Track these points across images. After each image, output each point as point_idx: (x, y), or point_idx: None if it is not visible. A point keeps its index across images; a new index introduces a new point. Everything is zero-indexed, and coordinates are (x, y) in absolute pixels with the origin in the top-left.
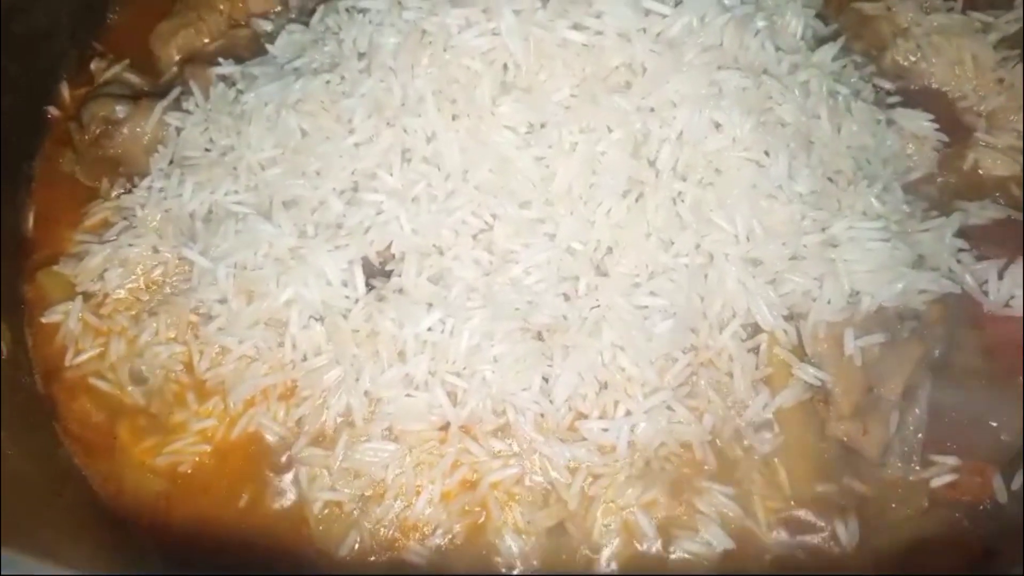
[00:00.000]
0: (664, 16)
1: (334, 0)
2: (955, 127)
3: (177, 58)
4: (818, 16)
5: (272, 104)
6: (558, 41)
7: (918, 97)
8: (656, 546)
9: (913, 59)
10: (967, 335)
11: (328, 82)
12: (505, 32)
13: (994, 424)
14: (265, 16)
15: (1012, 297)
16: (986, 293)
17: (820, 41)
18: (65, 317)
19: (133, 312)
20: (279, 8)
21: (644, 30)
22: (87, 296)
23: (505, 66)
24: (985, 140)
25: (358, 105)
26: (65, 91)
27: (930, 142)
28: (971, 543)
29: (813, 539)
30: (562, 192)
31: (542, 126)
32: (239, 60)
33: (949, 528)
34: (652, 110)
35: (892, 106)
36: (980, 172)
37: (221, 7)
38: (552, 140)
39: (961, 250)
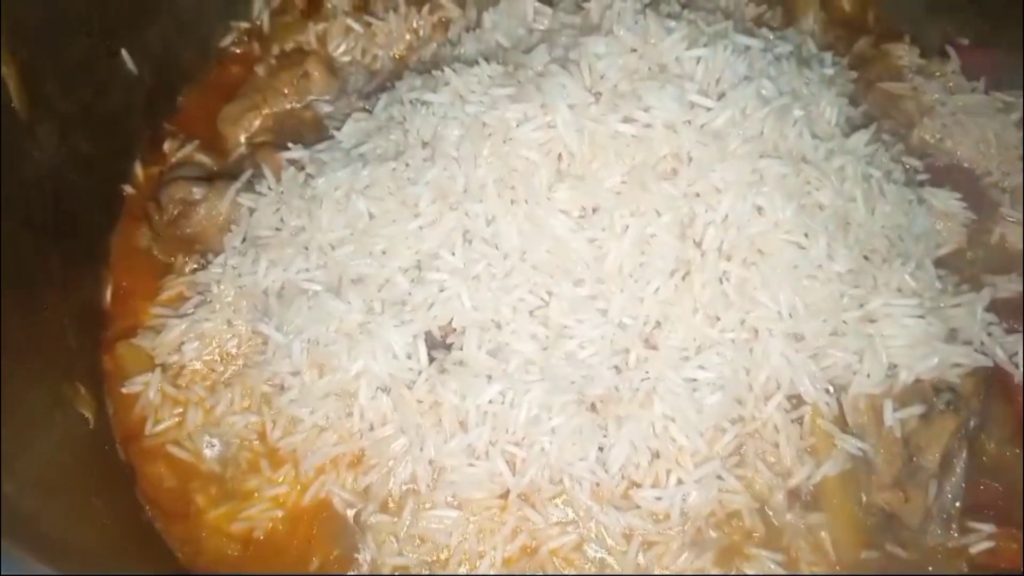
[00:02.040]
0: (708, 109)
1: (396, 91)
2: (981, 203)
3: (243, 138)
4: (848, 101)
5: (342, 189)
6: (610, 133)
7: (945, 174)
8: None
9: (939, 137)
10: (1000, 406)
11: (394, 169)
12: (561, 125)
13: None
14: (325, 99)
15: None
16: (1016, 365)
17: (852, 125)
18: (145, 388)
19: (208, 383)
20: (337, 93)
21: (690, 122)
22: (165, 367)
23: (560, 156)
24: (1010, 215)
25: (423, 191)
26: (139, 170)
27: (958, 219)
28: None
29: None
30: (613, 271)
31: (595, 210)
32: (303, 141)
33: None
34: (698, 195)
35: (921, 183)
36: (1007, 246)
37: (285, 91)
38: (604, 223)
39: (991, 324)
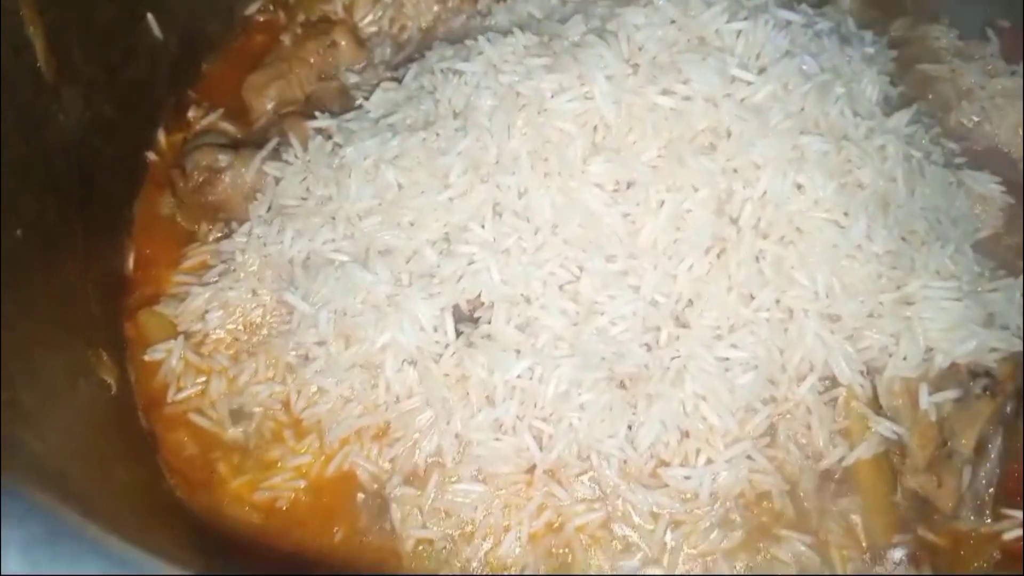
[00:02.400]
0: (749, 83)
1: (427, 60)
2: (1019, 187)
3: (269, 107)
4: (889, 80)
5: (370, 159)
6: (648, 105)
7: (983, 157)
8: None
9: (977, 120)
10: None
11: (424, 139)
12: (597, 96)
13: None
14: (352, 70)
15: None
16: None
17: (891, 105)
18: (167, 355)
19: (232, 352)
20: (364, 63)
21: (729, 96)
22: (188, 335)
23: (596, 128)
24: None
25: (454, 162)
26: (162, 137)
27: (997, 203)
28: None
29: None
30: (647, 247)
31: (630, 185)
32: (329, 111)
33: None
34: (736, 171)
35: (959, 167)
36: None
37: (311, 60)
38: (639, 198)
39: None
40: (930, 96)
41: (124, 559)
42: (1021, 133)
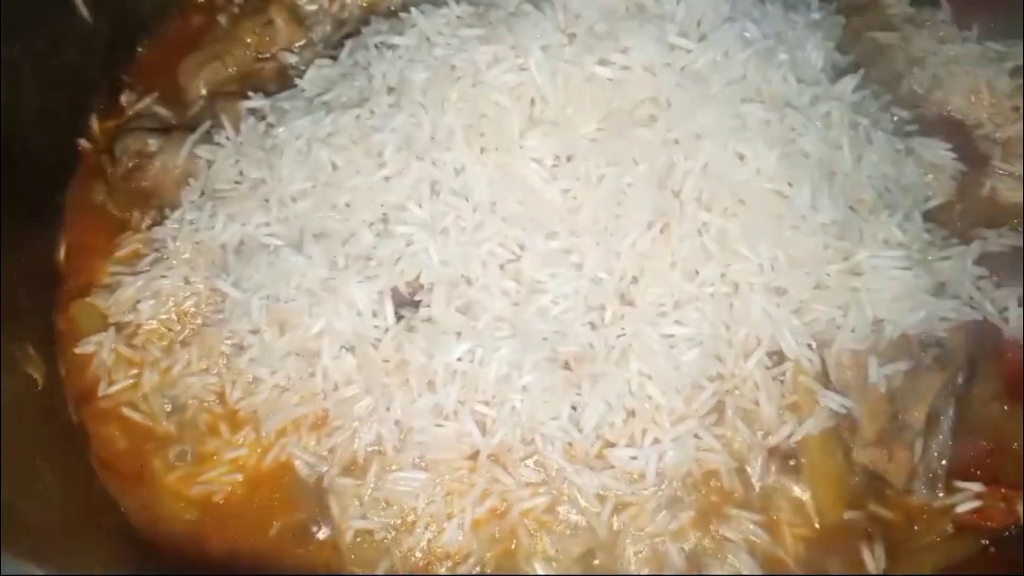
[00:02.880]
0: (688, 51)
1: (362, 36)
2: (972, 155)
3: (204, 91)
4: (836, 47)
5: (303, 138)
6: (585, 76)
7: (935, 125)
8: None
9: (929, 87)
10: (988, 362)
11: (358, 117)
12: (533, 68)
13: (1018, 450)
14: (290, 49)
15: None
16: (1006, 320)
17: (839, 72)
18: (98, 348)
19: (165, 343)
20: (303, 42)
21: (669, 65)
22: (120, 327)
23: (533, 101)
24: (1002, 168)
25: (388, 139)
26: (95, 124)
27: (948, 171)
28: (997, 569)
29: (841, 565)
30: (588, 223)
31: (569, 159)
32: (266, 93)
33: (974, 554)
34: (677, 142)
35: (910, 135)
36: (998, 199)
37: (248, 40)
38: (579, 172)
39: (980, 277)
40: (882, 64)
41: None
42: (973, 100)
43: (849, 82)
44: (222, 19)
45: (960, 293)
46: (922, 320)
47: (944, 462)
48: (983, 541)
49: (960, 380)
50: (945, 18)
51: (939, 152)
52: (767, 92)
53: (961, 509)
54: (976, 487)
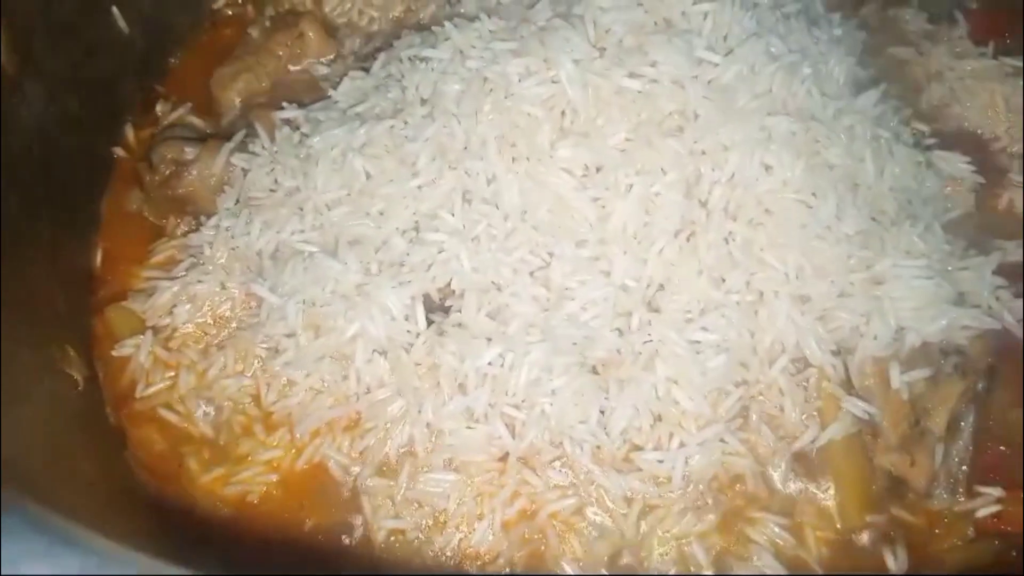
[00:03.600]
0: (716, 65)
1: (395, 49)
2: (990, 168)
3: (237, 101)
4: (857, 62)
5: (338, 148)
6: (615, 89)
7: (953, 139)
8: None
9: (947, 102)
10: (1008, 370)
11: (392, 127)
12: (564, 80)
13: None
14: (321, 62)
15: None
16: None
17: (860, 87)
18: (135, 351)
19: (201, 346)
20: (334, 55)
21: (696, 78)
22: (156, 330)
23: (563, 112)
24: (1018, 180)
25: (422, 149)
26: (130, 133)
27: (967, 183)
28: (1017, 572)
29: (864, 568)
30: (617, 231)
31: (598, 169)
32: (298, 104)
33: (995, 558)
34: (704, 153)
35: (929, 148)
36: (1015, 211)
37: (279, 52)
38: (608, 182)
39: (999, 287)
40: (900, 79)
41: (99, 552)
42: (990, 115)
43: (871, 96)
44: (253, 31)
45: (980, 302)
46: (943, 328)
47: (965, 467)
48: (1002, 545)
49: (980, 387)
50: (962, 34)
51: (958, 165)
52: (792, 105)
53: (981, 513)
54: (996, 492)
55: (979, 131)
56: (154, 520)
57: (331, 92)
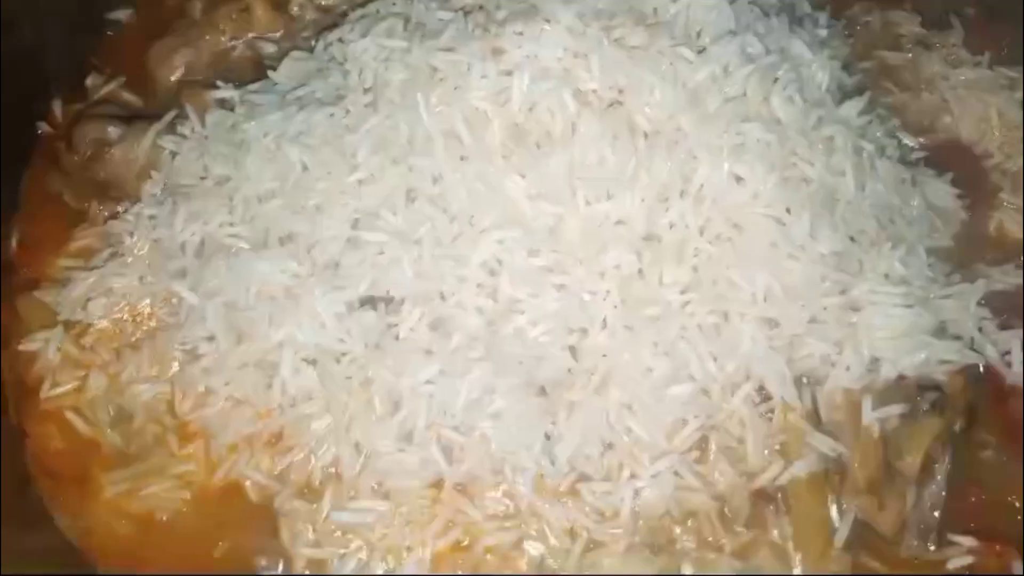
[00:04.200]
0: (690, 63)
1: (340, 28)
2: (980, 185)
3: (175, 78)
4: (842, 67)
5: (272, 135)
6: (573, 86)
7: (942, 152)
8: None
9: (938, 113)
10: (988, 409)
11: (332, 115)
12: (516, 74)
13: (1016, 504)
14: (268, 38)
15: None
16: (1008, 364)
17: (845, 94)
18: (44, 346)
19: (115, 345)
20: (282, 32)
21: (665, 78)
22: (68, 325)
23: (518, 109)
24: (1010, 201)
25: (362, 141)
26: (58, 108)
27: (954, 213)
28: None
29: None
30: (572, 242)
31: (553, 173)
32: (239, 83)
33: None
34: (671, 160)
35: (916, 163)
36: (1005, 234)
37: (222, 27)
38: (564, 188)
39: (984, 319)
40: (889, 86)
41: None
42: (983, 128)
43: (856, 104)
44: (197, 3)
45: (962, 334)
46: (921, 362)
47: (937, 513)
48: None
49: (958, 428)
50: (957, 41)
51: (945, 195)
52: (768, 112)
53: (953, 565)
54: (969, 542)
55: (971, 145)
56: (47, 533)
57: (271, 73)
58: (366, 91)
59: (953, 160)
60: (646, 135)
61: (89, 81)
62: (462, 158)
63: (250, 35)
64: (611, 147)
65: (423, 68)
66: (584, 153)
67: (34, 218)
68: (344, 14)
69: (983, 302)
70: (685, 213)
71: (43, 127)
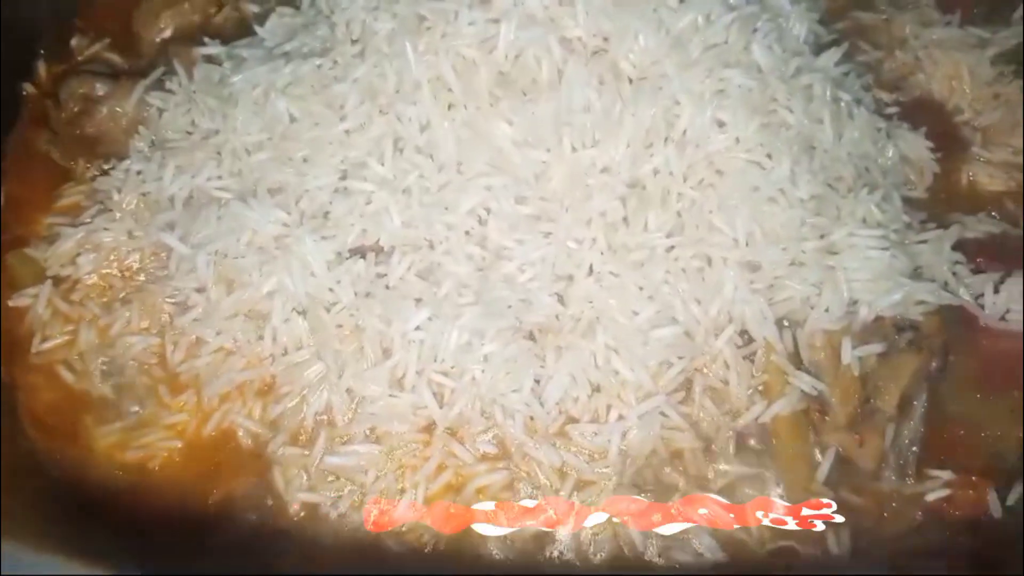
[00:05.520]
0: (672, 11)
1: None
2: (952, 140)
3: (161, 38)
4: (819, 21)
5: (260, 87)
6: (558, 33)
7: (915, 108)
8: (646, 555)
9: (910, 70)
10: (964, 348)
11: (319, 66)
12: (504, 21)
13: (990, 438)
14: None
15: (1008, 311)
16: (982, 306)
17: (822, 47)
18: (34, 301)
19: (105, 299)
20: None
21: (648, 24)
22: (57, 281)
23: (505, 56)
24: (981, 155)
25: (350, 90)
26: (42, 68)
27: (928, 164)
28: (964, 557)
29: (804, 549)
30: (559, 189)
31: (540, 120)
32: (226, 42)
33: (943, 542)
34: (655, 106)
35: (890, 117)
36: (976, 186)
37: None
38: (551, 135)
39: (957, 263)
40: (863, 45)
41: None
42: (954, 85)
43: (833, 55)
44: None
45: (937, 277)
46: (898, 302)
47: (915, 448)
48: (951, 530)
49: (934, 366)
50: (928, 2)
51: (920, 148)
52: (748, 60)
53: (931, 497)
54: (946, 475)
55: (942, 102)
56: (41, 487)
57: (257, 28)
58: (354, 42)
59: (925, 116)
60: (631, 80)
61: (74, 42)
62: (450, 106)
63: None
64: (596, 92)
65: (410, 17)
66: (570, 99)
67: (20, 177)
68: None
69: (956, 247)
70: (669, 159)
71: (27, 88)
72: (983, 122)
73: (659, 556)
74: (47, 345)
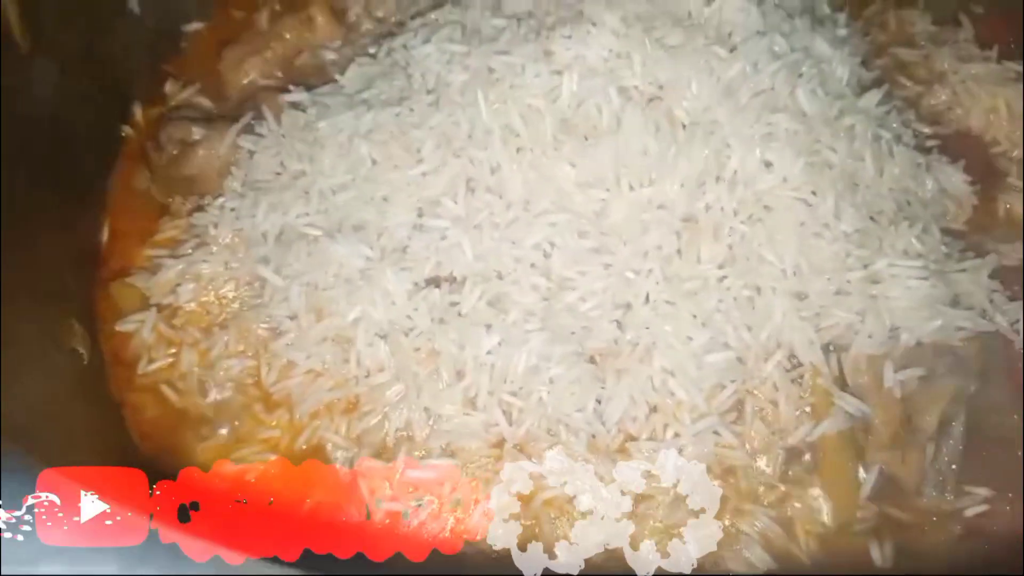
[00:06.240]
0: (722, 59)
1: (401, 36)
2: (989, 171)
3: (245, 83)
4: (861, 63)
5: (345, 133)
6: (618, 84)
7: (954, 142)
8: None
9: (949, 105)
10: (1000, 373)
11: (398, 114)
12: (565, 73)
13: None
14: (329, 47)
15: None
16: (1017, 332)
17: (864, 87)
18: (140, 326)
19: (204, 325)
20: (341, 41)
21: (700, 74)
22: (160, 308)
23: (568, 104)
24: (1017, 185)
25: (427, 136)
26: (139, 112)
27: (967, 197)
28: (1002, 571)
29: (851, 561)
30: (618, 224)
31: (601, 163)
32: (304, 87)
33: (982, 556)
34: (707, 148)
35: (929, 151)
36: (1012, 216)
37: (287, 36)
38: (610, 175)
39: (995, 291)
40: (904, 81)
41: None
42: (991, 119)
43: (874, 96)
44: (263, 14)
45: (975, 305)
46: (938, 329)
47: (954, 466)
48: (988, 545)
49: (973, 389)
50: (967, 37)
51: (958, 182)
52: (794, 104)
53: (969, 513)
54: (984, 491)
55: (979, 135)
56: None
57: (337, 77)
58: (429, 92)
59: (963, 149)
60: (684, 126)
61: (167, 87)
62: (518, 150)
63: (313, 44)
64: (653, 138)
65: (481, 69)
66: (628, 143)
67: (122, 212)
68: (399, 23)
69: (993, 276)
70: (720, 196)
71: (127, 130)
72: (1019, 153)
73: (713, 567)
74: (152, 366)
